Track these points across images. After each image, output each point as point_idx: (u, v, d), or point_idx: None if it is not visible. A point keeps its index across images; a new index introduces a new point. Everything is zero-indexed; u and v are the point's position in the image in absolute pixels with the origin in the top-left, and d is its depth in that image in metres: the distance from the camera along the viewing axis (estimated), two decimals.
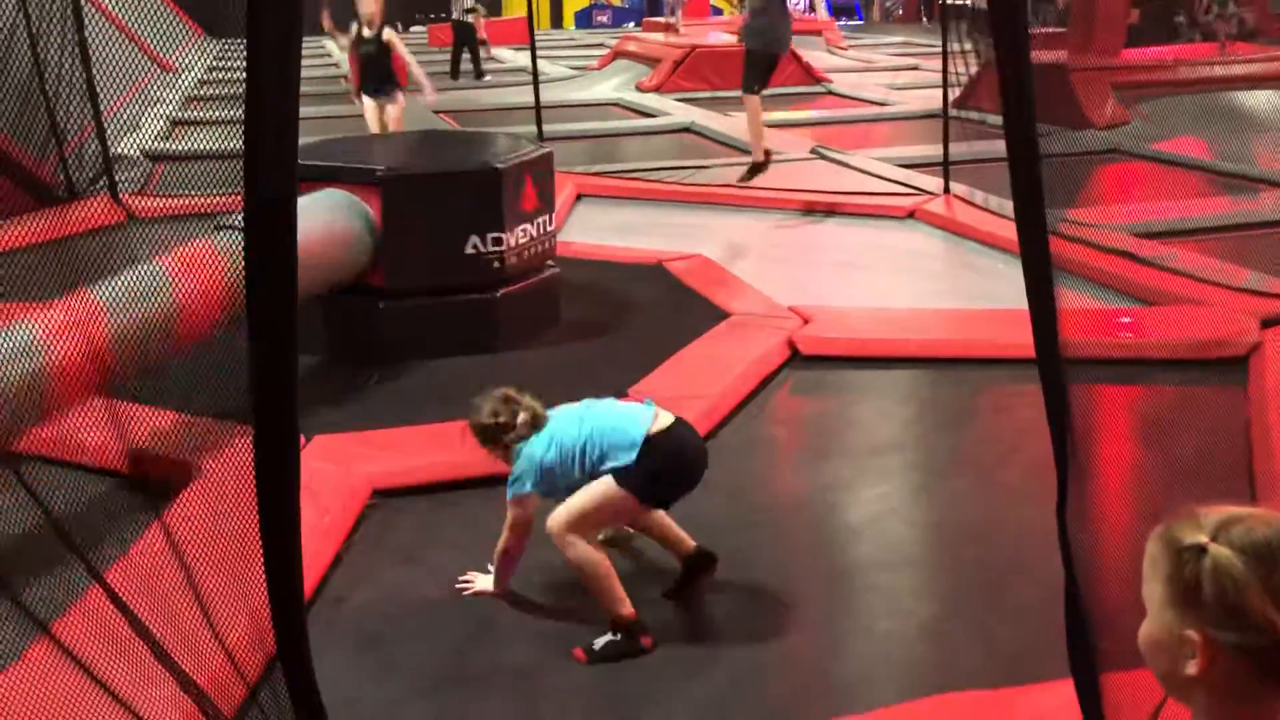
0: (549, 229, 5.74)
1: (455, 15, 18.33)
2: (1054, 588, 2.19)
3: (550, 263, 5.84)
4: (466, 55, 17.79)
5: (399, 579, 3.60)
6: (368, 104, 8.63)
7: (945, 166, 8.33)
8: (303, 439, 4.18)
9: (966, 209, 7.77)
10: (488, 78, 17.89)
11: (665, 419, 3.22)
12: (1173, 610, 1.17)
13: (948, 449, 4.58)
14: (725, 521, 3.91)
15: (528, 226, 5.51)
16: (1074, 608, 1.99)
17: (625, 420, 3.21)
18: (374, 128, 8.79)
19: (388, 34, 8.40)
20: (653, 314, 5.97)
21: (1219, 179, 8.46)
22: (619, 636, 3.11)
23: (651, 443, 3.13)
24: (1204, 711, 1.18)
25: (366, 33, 8.40)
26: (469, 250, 5.33)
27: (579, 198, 8.86)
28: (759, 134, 8.30)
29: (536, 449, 3.24)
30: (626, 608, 3.12)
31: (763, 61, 8.05)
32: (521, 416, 3.27)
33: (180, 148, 9.39)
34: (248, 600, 2.07)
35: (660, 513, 3.38)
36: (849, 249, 7.39)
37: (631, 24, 29.20)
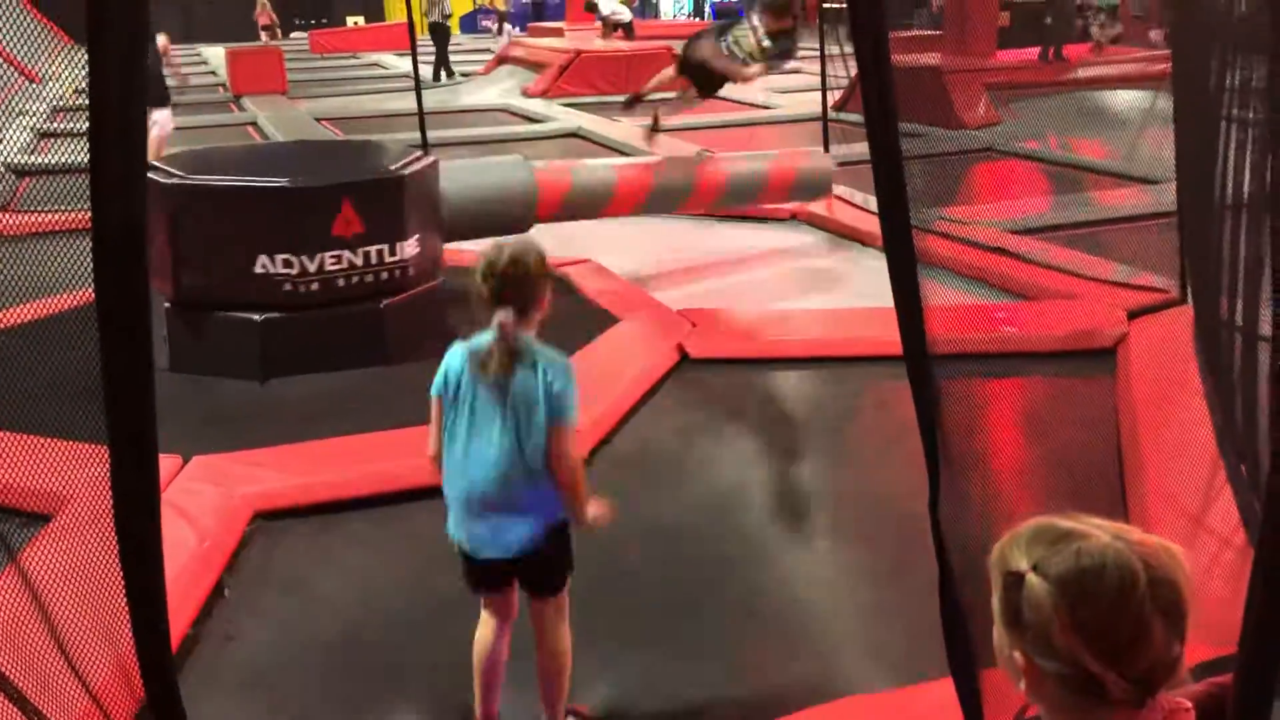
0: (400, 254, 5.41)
1: (433, 18, 18.26)
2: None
3: (438, 273, 5.77)
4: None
5: (283, 610, 3.48)
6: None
7: None
8: (180, 460, 4.09)
9: (847, 209, 7.91)
10: (442, 79, 18.03)
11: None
12: (1004, 629, 1.20)
13: (833, 446, 4.65)
14: (615, 526, 3.89)
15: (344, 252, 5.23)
16: (949, 604, 2.02)
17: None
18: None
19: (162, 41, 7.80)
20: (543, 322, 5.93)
21: (1086, 175, 8.78)
22: None
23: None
24: (1044, 715, 1.22)
25: None
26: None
27: None
28: None
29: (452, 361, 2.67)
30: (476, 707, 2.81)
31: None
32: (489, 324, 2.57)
33: (49, 161, 9.02)
34: (114, 642, 1.98)
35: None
36: (735, 252, 7.46)
37: (517, 29, 29.06)
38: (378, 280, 5.34)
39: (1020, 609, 1.15)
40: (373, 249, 5.29)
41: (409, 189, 5.46)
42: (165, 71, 8.67)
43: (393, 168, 5.52)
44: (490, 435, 2.60)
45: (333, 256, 5.21)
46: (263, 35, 21.90)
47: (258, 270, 5.13)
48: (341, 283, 5.25)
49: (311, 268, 5.17)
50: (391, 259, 5.37)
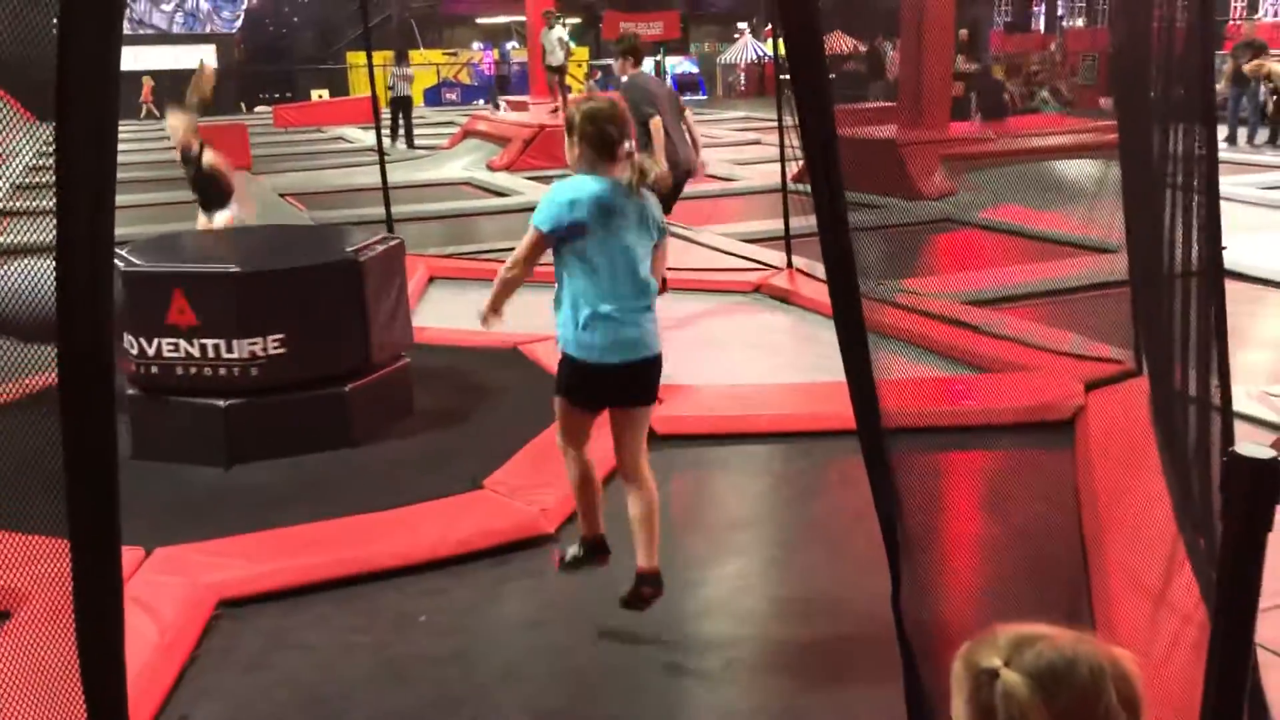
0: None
1: (397, 91, 19.36)
2: None
3: (401, 353, 5.77)
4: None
5: (247, 688, 3.46)
6: (200, 220, 8.17)
7: (787, 240, 8.57)
8: (143, 552, 4.04)
9: (808, 282, 8.00)
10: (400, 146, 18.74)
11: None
12: None
13: (799, 522, 4.66)
14: (583, 601, 3.88)
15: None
16: (912, 686, 2.04)
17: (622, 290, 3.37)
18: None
19: (208, 158, 7.64)
20: (509, 399, 5.94)
21: (1042, 245, 8.93)
22: (580, 551, 3.66)
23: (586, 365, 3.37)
24: None
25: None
26: None
27: (431, 281, 8.79)
28: None
29: (565, 194, 3.30)
30: (589, 528, 3.61)
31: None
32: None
33: (8, 241, 8.96)
34: None
35: (638, 513, 3.51)
36: (699, 325, 7.51)
37: (481, 101, 29.36)
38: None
39: (994, 705, 1.19)
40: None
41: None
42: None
43: (350, 252, 5.52)
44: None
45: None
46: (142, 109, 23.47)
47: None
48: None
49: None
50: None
